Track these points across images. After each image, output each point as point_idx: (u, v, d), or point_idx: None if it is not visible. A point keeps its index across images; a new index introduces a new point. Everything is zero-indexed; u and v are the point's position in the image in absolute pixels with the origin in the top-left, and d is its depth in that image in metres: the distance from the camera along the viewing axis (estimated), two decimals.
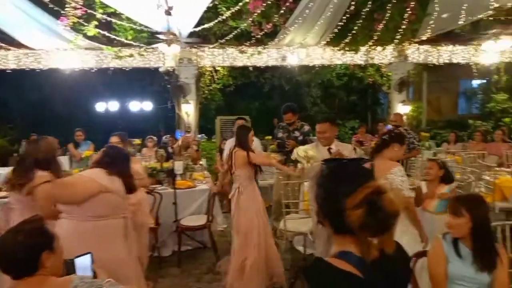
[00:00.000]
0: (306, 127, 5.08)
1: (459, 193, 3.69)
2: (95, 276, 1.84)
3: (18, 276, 1.54)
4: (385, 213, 0.98)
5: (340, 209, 1.02)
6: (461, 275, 2.01)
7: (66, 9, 5.70)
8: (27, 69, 7.60)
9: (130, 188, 2.59)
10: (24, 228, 1.60)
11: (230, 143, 4.79)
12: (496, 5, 5.66)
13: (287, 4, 5.92)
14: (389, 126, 6.92)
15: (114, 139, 3.76)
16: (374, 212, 0.98)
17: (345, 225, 1.02)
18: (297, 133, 5.00)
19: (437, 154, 7.41)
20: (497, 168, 5.57)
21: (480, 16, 6.31)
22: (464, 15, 6.18)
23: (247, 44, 7.40)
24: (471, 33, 7.71)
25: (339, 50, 8.01)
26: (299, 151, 3.28)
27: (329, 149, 3.69)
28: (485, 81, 12.86)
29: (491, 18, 6.50)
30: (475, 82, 13.83)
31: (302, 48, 7.97)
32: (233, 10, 5.92)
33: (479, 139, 7.49)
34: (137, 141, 7.95)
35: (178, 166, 4.57)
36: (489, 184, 4.80)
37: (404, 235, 2.72)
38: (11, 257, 1.53)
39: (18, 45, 7.05)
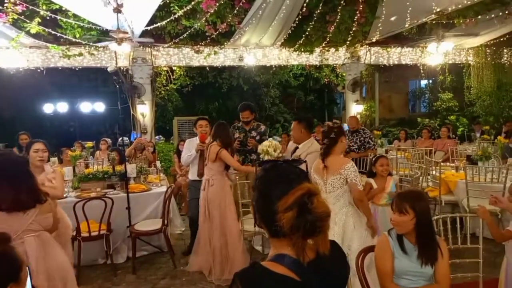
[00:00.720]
0: (263, 127, 5.12)
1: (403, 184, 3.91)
2: None
3: None
4: (315, 215, 0.98)
5: (274, 212, 1.01)
6: (406, 270, 2.08)
7: (5, 4, 5.32)
8: None
9: (33, 200, 2.18)
10: None
11: (188, 143, 4.69)
12: (438, 9, 6.00)
13: (241, 4, 5.90)
14: (346, 126, 7.10)
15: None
16: (303, 215, 0.98)
17: (279, 228, 1.01)
18: (254, 133, 5.02)
19: (389, 151, 7.74)
20: (443, 163, 5.87)
21: (424, 19, 6.66)
22: (409, 19, 6.50)
23: (202, 44, 7.32)
24: (418, 35, 8.11)
25: (295, 50, 8.14)
26: (265, 142, 3.55)
27: (296, 148, 3.88)
28: (431, 81, 13.61)
29: (434, 22, 6.88)
30: (423, 82, 14.61)
31: (258, 49, 8.01)
32: (186, 9, 5.81)
33: (426, 136, 7.90)
34: (89, 143, 7.63)
35: (131, 169, 4.41)
36: (436, 178, 5.07)
37: (358, 230, 2.83)
38: None
39: None
